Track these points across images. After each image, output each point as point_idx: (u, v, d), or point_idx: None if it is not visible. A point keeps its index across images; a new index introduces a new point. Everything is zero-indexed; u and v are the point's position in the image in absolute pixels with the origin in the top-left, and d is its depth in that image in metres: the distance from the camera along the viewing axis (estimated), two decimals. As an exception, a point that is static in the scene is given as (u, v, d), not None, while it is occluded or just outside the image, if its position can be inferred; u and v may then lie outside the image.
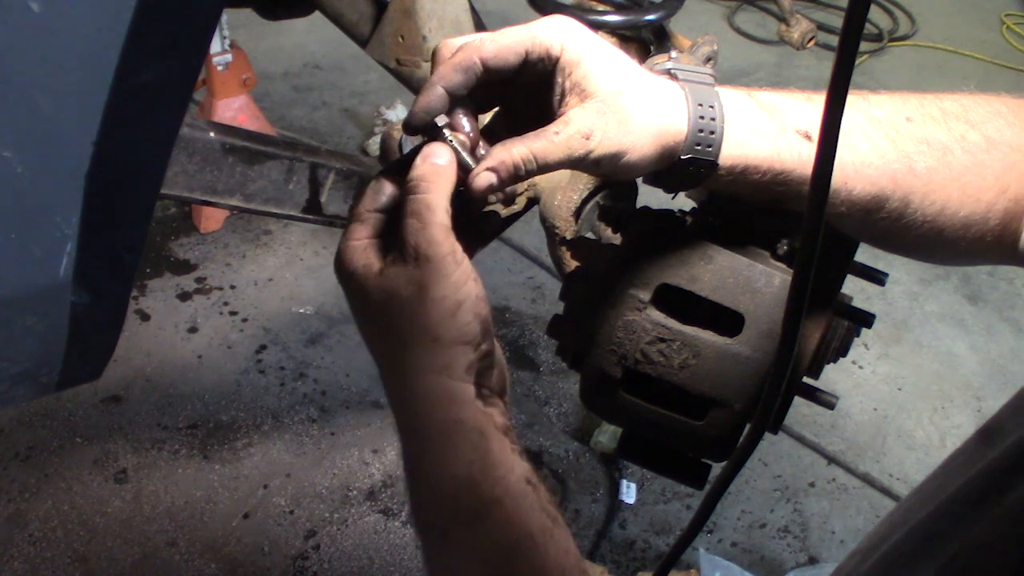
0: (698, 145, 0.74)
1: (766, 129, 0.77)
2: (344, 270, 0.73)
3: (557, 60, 0.72)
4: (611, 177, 0.80)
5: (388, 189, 0.74)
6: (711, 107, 0.75)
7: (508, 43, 0.72)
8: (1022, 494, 0.64)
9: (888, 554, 0.78)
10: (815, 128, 0.75)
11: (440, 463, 0.69)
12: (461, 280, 0.69)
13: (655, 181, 0.80)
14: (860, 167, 0.78)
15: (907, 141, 0.79)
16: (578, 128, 0.71)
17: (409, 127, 0.74)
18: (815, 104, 0.79)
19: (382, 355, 0.73)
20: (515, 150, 0.72)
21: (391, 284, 0.70)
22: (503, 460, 0.70)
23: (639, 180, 0.85)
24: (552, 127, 0.72)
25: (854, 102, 0.77)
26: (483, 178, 0.72)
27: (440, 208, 0.70)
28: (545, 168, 0.73)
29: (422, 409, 0.70)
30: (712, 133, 0.74)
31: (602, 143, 0.72)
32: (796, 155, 0.77)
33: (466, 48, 0.72)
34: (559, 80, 0.73)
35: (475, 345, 0.71)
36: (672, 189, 0.81)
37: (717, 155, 0.75)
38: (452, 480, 0.68)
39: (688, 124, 0.74)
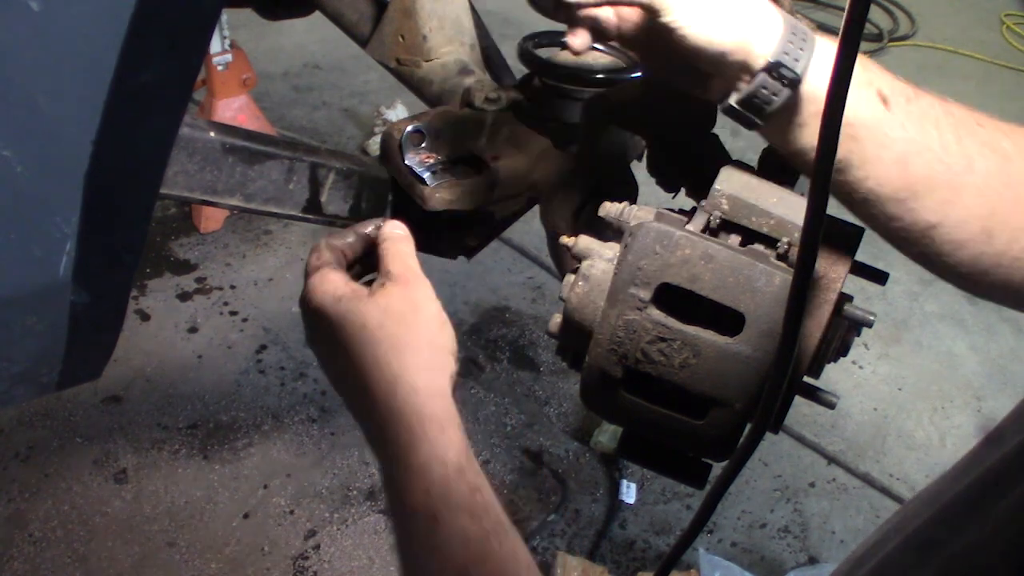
0: (786, 54, 0.75)
1: (854, 75, 0.77)
2: (332, 296, 0.82)
3: None
4: (680, 52, 0.81)
5: (334, 250, 0.89)
6: (804, 32, 0.77)
7: None
8: (1019, 496, 0.63)
9: (884, 560, 0.78)
10: (896, 95, 0.77)
11: (435, 451, 0.75)
12: (437, 302, 0.83)
13: (737, 103, 0.80)
14: (922, 150, 0.78)
15: (972, 143, 0.80)
16: None
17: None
18: (895, 75, 0.80)
19: (372, 364, 0.79)
20: None
21: (385, 301, 0.80)
22: (469, 445, 0.78)
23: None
24: None
25: (935, 98, 0.80)
26: None
27: (412, 249, 0.87)
28: None
29: (421, 402, 0.76)
30: (802, 48, 0.76)
31: None
32: (872, 113, 0.77)
33: None
34: None
35: (456, 357, 0.81)
36: (747, 115, 0.80)
37: (802, 71, 0.76)
38: (445, 467, 0.74)
39: (782, 33, 0.76)
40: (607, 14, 0.81)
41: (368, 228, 0.91)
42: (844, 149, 0.78)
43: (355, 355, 0.79)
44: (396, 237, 0.87)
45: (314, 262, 0.86)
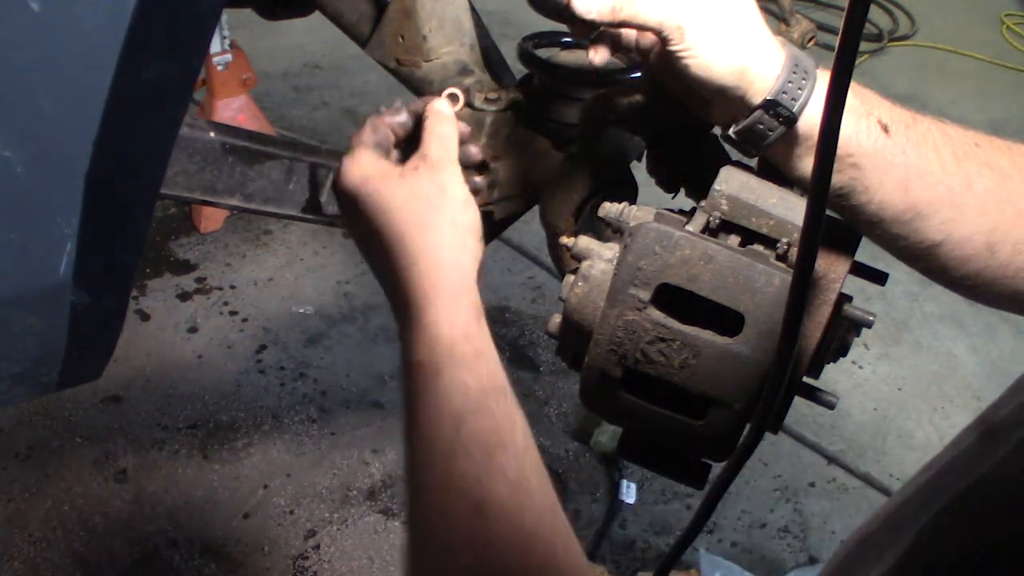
0: (784, 92, 0.77)
1: (853, 107, 0.79)
2: (360, 176, 0.85)
3: None
4: (683, 79, 0.82)
5: (383, 128, 0.90)
6: (806, 68, 0.78)
7: None
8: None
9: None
10: (895, 122, 0.79)
11: (448, 314, 0.80)
12: (464, 185, 0.86)
13: (734, 133, 0.81)
14: (923, 173, 0.80)
15: (971, 163, 0.82)
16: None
17: None
18: (892, 102, 0.82)
19: (396, 240, 0.83)
20: None
21: (414, 182, 0.84)
22: (485, 325, 0.82)
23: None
24: None
25: (932, 121, 0.82)
26: (583, 4, 0.78)
27: (456, 135, 0.88)
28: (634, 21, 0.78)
29: (442, 272, 0.82)
30: (801, 86, 0.77)
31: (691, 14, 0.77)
32: (873, 142, 0.79)
33: None
34: None
35: (479, 238, 0.85)
36: (745, 145, 0.82)
37: (800, 109, 0.77)
38: (453, 329, 0.78)
39: (782, 70, 0.77)
40: (627, 32, 0.83)
41: (419, 105, 0.93)
42: (848, 177, 0.81)
43: (380, 233, 0.83)
44: (440, 116, 0.90)
45: (353, 141, 0.89)
